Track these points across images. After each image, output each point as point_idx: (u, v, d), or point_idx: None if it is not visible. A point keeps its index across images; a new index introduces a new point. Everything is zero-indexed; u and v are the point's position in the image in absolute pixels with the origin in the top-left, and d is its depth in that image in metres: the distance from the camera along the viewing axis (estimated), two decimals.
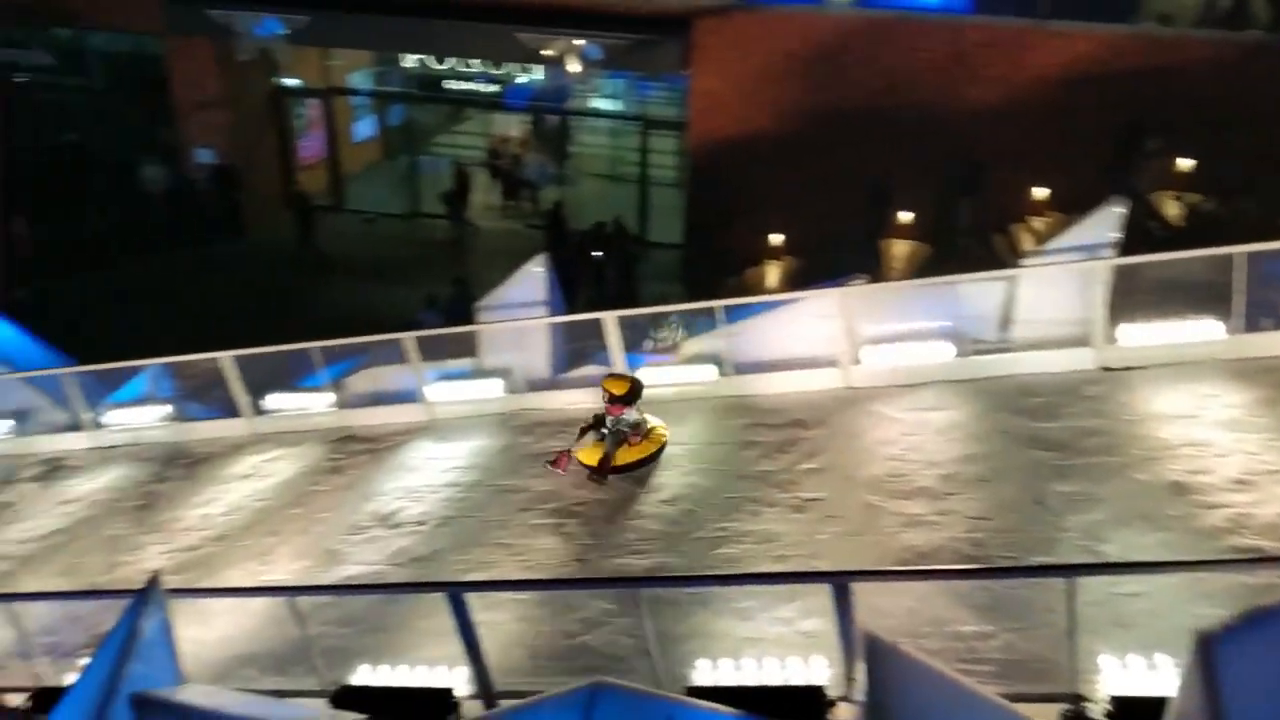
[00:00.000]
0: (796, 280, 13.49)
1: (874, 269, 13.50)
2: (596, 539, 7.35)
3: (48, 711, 5.74)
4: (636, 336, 9.66)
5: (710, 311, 9.19)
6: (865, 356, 8.54)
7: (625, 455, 7.85)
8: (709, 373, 8.97)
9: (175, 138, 18.58)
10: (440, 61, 18.51)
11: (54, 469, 9.72)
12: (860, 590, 4.96)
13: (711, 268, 15.11)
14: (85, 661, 5.66)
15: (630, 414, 7.88)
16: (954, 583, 6.00)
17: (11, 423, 10.15)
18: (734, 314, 9.16)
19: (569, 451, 8.03)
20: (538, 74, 18.09)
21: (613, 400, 7.85)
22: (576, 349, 9.86)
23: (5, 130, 19.18)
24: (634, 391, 7.91)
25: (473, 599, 5.58)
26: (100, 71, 19.25)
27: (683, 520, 7.35)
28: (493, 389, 9.46)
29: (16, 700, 6.01)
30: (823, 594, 5.03)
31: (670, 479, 7.86)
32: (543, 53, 16.03)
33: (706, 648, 5.95)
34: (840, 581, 4.98)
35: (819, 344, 8.67)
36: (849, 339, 8.53)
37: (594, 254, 15.72)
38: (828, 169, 15.30)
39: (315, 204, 18.27)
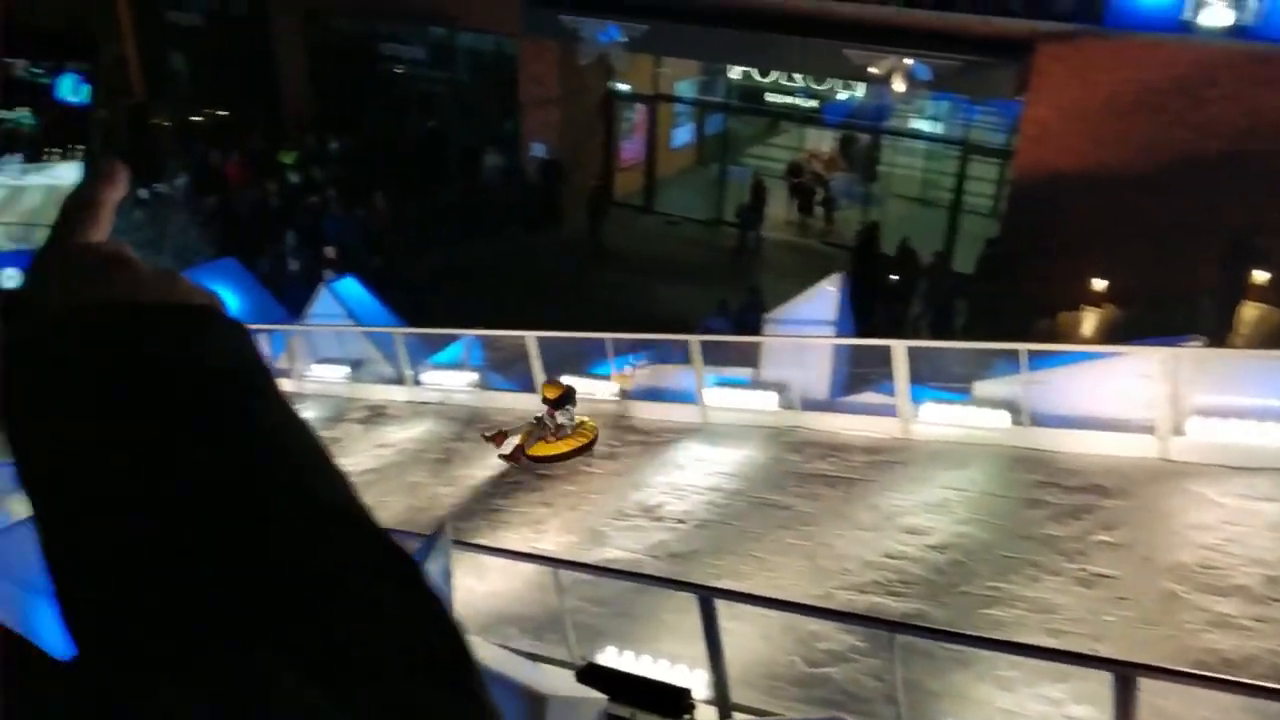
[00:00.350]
0: (1117, 332, 12.23)
1: (1215, 331, 11.94)
2: (854, 572, 7.13)
3: None
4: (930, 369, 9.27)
5: (1012, 353, 8.59)
6: (1190, 428, 7.57)
7: (556, 447, 9.00)
8: (1001, 419, 8.38)
9: (516, 130, 20.36)
10: (764, 74, 18.81)
11: (376, 415, 11.01)
12: (1146, 687, 4.41)
13: (1018, 306, 14.10)
14: None
15: (562, 416, 9.07)
16: (1265, 702, 5.16)
17: (348, 369, 11.63)
18: (1039, 360, 8.48)
19: (507, 433, 9.15)
20: (859, 91, 17.87)
21: (547, 403, 9.09)
22: (860, 374, 9.62)
23: (380, 114, 22.11)
24: (565, 398, 9.13)
25: (721, 606, 5.62)
26: (464, 67, 21.49)
27: (949, 570, 6.93)
28: (768, 402, 9.46)
29: None
30: (1100, 681, 4.52)
31: (940, 524, 7.44)
32: (869, 70, 15.76)
33: (959, 710, 5.58)
34: (1126, 673, 4.44)
35: (1135, 406, 7.81)
36: (1173, 406, 7.60)
37: (891, 277, 15.22)
38: (1170, 214, 13.75)
39: (609, 201, 19.15)
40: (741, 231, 18.60)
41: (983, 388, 8.67)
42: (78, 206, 0.65)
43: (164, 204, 15.21)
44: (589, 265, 17.78)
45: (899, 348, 8.88)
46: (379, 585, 0.54)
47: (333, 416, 11.10)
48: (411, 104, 22.14)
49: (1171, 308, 11.49)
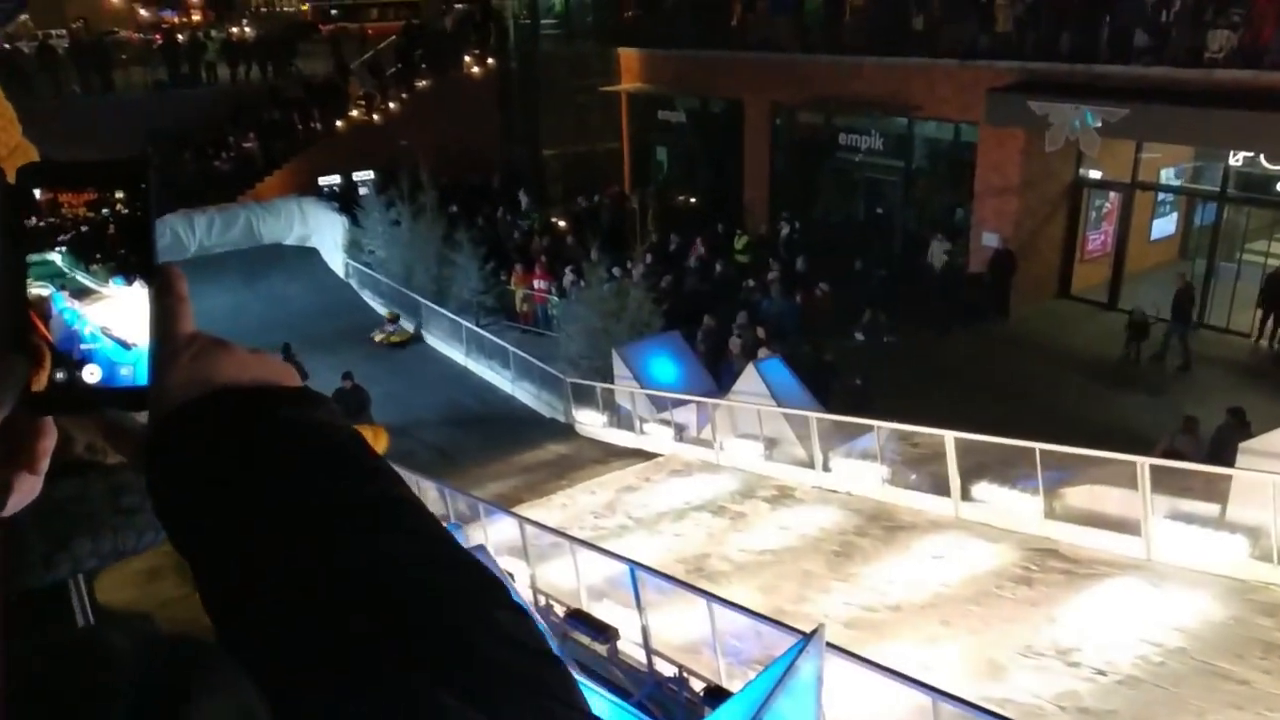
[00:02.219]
0: None
1: None
2: None
3: (714, 706, 6.62)
4: None
5: None
6: None
7: None
8: None
9: (966, 220, 19.69)
10: (1276, 160, 16.11)
11: (783, 496, 11.15)
12: None
13: None
14: (752, 676, 6.37)
15: None
16: None
17: (763, 447, 11.95)
18: None
19: None
20: None
21: None
22: None
23: (830, 202, 22.78)
24: None
25: None
26: (919, 156, 21.39)
27: None
28: (1235, 548, 7.88)
29: (696, 686, 7.05)
30: None
31: None
32: None
33: None
34: None
35: None
36: None
37: None
38: None
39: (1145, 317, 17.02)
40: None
41: None
42: (174, 301, 0.72)
43: (629, 280, 17.08)
44: (1032, 363, 16.42)
45: None
46: (505, 617, 0.60)
47: (742, 491, 11.46)
48: (861, 192, 22.50)
49: None
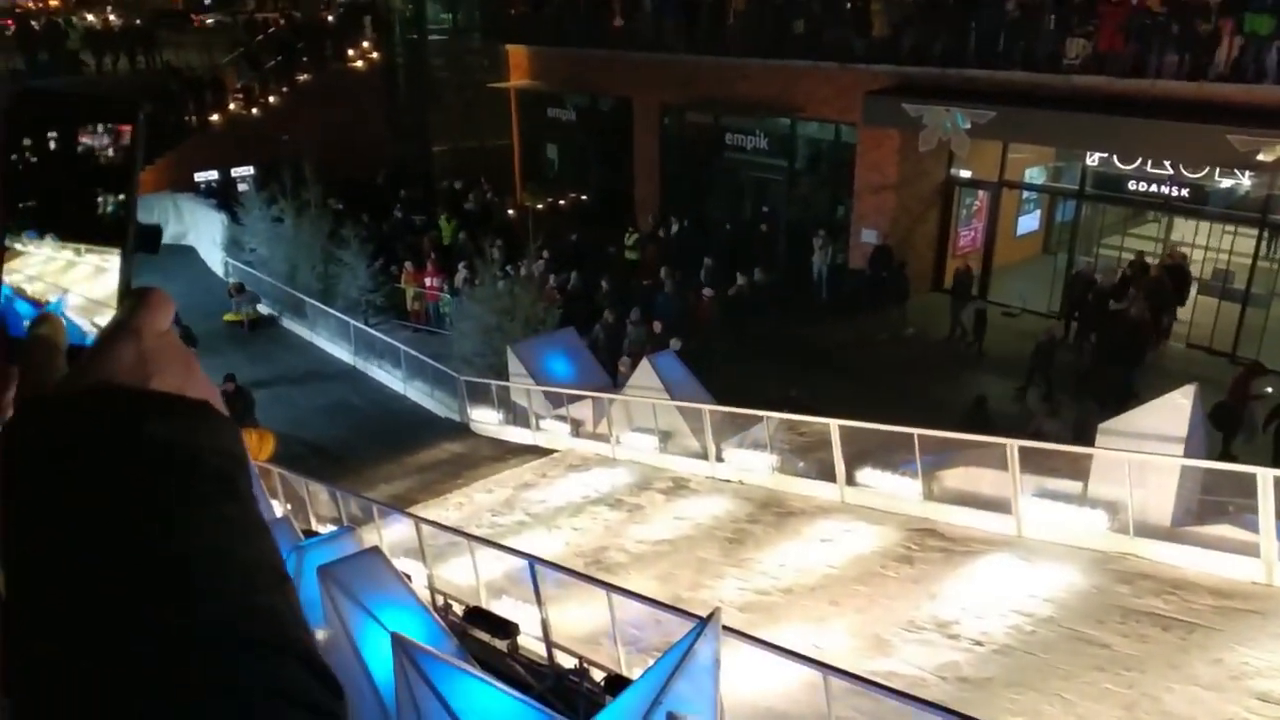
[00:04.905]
0: None
1: None
2: None
3: (615, 695, 6.74)
4: None
5: None
6: None
7: None
8: None
9: (846, 217, 20.42)
10: (1128, 161, 17.30)
11: (678, 487, 11.36)
12: None
13: None
14: (651, 663, 6.51)
15: None
16: None
17: (658, 440, 12.15)
18: None
19: None
20: (1245, 179, 15.83)
21: None
22: (1213, 502, 8.34)
23: (717, 200, 23.25)
24: None
25: None
26: (801, 154, 22.05)
27: None
28: (1095, 522, 8.47)
29: (597, 675, 7.16)
30: None
31: None
32: (1259, 158, 13.93)
33: None
34: None
35: None
36: None
37: (1265, 391, 13.08)
38: None
39: (969, 283, 18.32)
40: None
41: None
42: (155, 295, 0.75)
43: (523, 279, 17.04)
44: (911, 353, 17.19)
45: (1266, 476, 7.60)
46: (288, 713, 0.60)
47: (639, 484, 11.63)
48: (748, 190, 23.05)
49: None
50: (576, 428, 13.64)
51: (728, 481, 11.27)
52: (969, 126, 17.09)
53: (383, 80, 28.12)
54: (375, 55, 27.73)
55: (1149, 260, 17.64)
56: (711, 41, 21.59)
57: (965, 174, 19.75)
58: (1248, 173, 15.29)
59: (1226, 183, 16.41)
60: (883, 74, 18.58)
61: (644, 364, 12.61)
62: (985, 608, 7.93)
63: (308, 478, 11.93)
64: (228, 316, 19.89)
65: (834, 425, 10.22)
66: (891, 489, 9.90)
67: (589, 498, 11.53)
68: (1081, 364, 15.73)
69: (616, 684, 6.81)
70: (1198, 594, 7.60)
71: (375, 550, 7.99)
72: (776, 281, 19.00)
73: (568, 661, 7.81)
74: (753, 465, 11.13)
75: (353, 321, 18.71)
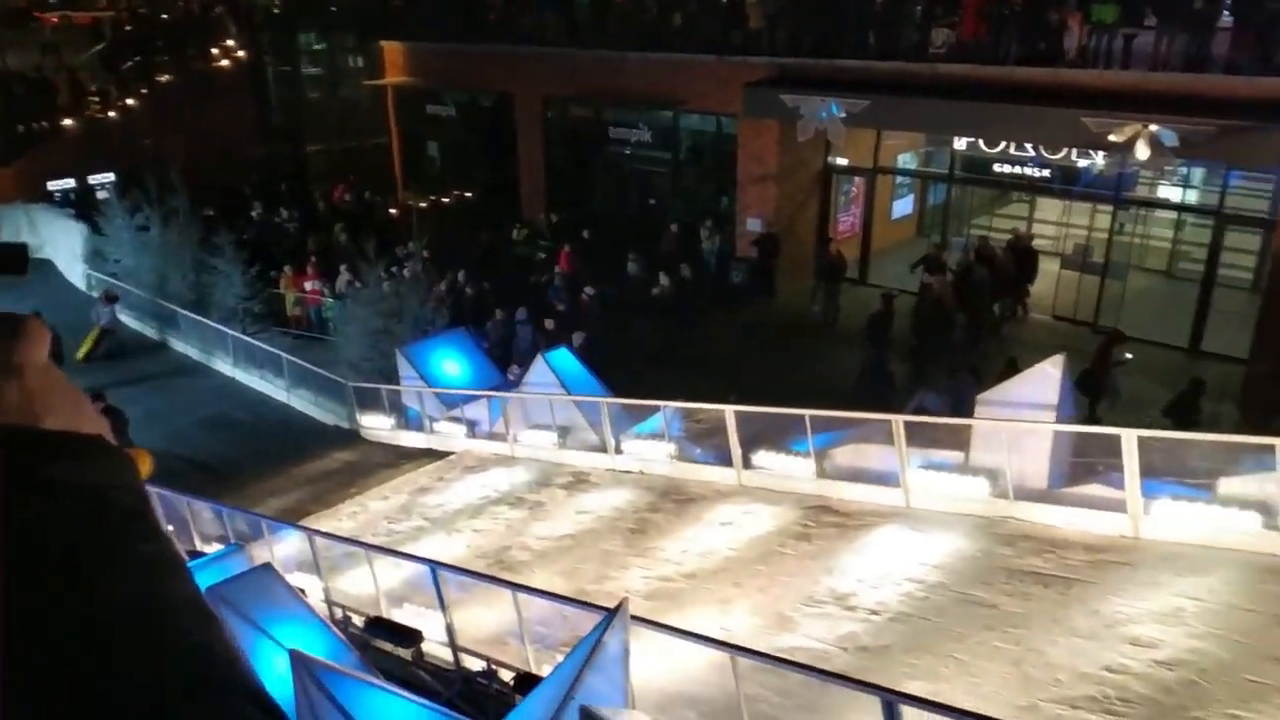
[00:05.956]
0: None
1: None
2: (1066, 684, 6.45)
3: (525, 693, 6.69)
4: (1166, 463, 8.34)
5: (1265, 449, 7.59)
6: None
7: None
8: (1250, 522, 7.39)
9: (731, 207, 20.76)
10: (992, 145, 18.13)
11: (579, 482, 11.36)
12: None
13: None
14: (560, 658, 6.50)
15: None
16: None
17: (556, 436, 12.12)
18: None
19: None
20: (1098, 159, 16.79)
21: None
22: (1084, 463, 8.84)
23: (603, 194, 23.28)
24: None
25: (908, 711, 5.26)
26: (685, 146, 22.29)
27: (1179, 691, 6.12)
28: (978, 489, 8.87)
29: (506, 676, 7.10)
30: None
31: (1172, 637, 6.61)
32: (1110, 138, 14.79)
33: None
34: None
35: None
36: None
37: (1125, 358, 13.95)
38: None
39: (842, 268, 18.93)
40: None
41: (1229, 486, 7.69)
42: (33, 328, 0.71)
43: (409, 279, 16.69)
44: (798, 337, 17.61)
45: (1129, 437, 8.10)
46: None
47: (539, 480, 11.57)
48: (633, 183, 23.16)
49: None
50: (472, 428, 13.47)
51: (628, 473, 11.32)
52: (844, 115, 17.57)
53: (251, 80, 27.05)
54: (241, 54, 26.64)
55: (992, 242, 18.46)
56: (592, 34, 21.58)
57: (842, 161, 20.32)
58: (1101, 153, 16.23)
59: (1083, 162, 17.38)
60: (760, 66, 18.92)
61: (538, 361, 12.54)
62: (880, 578, 8.20)
63: (190, 496, 11.41)
64: (84, 346, 18.37)
65: (729, 411, 10.39)
66: (786, 469, 10.14)
67: (488, 498, 11.40)
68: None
69: (526, 682, 6.76)
70: (1073, 551, 8.05)
71: (267, 567, 7.72)
72: (701, 280, 19.13)
73: (476, 664, 7.71)
74: (651, 455, 11.22)
75: (230, 331, 17.97)
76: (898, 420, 9.37)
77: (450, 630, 7.77)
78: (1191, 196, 17.60)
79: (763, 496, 10.05)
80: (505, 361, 14.94)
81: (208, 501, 11.22)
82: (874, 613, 7.69)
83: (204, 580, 7.28)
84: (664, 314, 17.28)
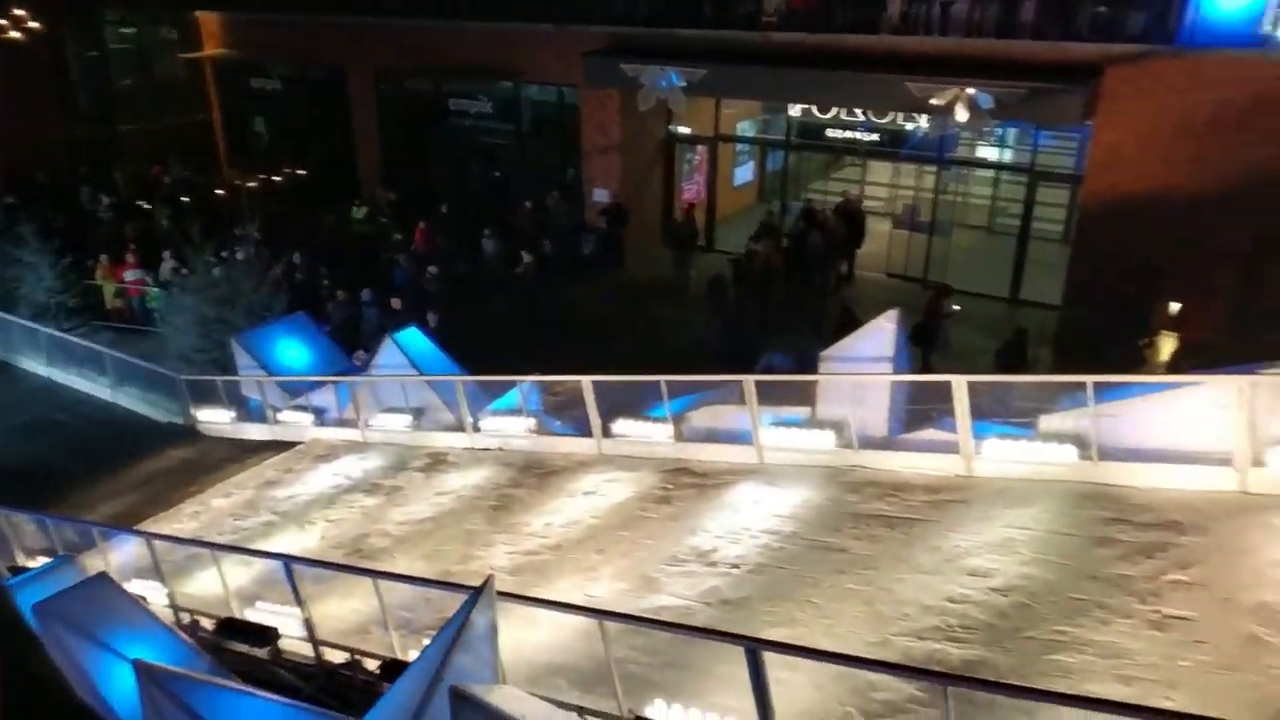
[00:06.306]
0: (1194, 360, 11.67)
1: None
2: (913, 618, 6.86)
3: (392, 681, 6.55)
4: (994, 404, 8.94)
5: (1078, 386, 8.24)
6: (1271, 459, 7.13)
7: None
8: (1068, 454, 8.03)
9: (578, 177, 20.70)
10: (825, 111, 18.77)
11: (437, 463, 11.16)
12: None
13: (1093, 334, 13.60)
14: (427, 642, 6.39)
15: None
16: None
17: (410, 418, 11.84)
18: (1108, 392, 8.11)
19: None
20: (922, 122, 17.66)
21: None
22: (920, 410, 9.36)
23: (446, 168, 22.72)
24: None
25: (771, 656, 5.46)
26: (528, 118, 22.02)
27: (1013, 614, 6.62)
28: (825, 441, 9.26)
29: (371, 665, 6.92)
30: None
31: (1005, 565, 7.12)
32: (931, 101, 15.56)
33: None
34: None
35: (1211, 437, 7.40)
36: (1251, 436, 7.17)
37: (953, 309, 14.83)
38: (1252, 235, 13.13)
39: (693, 234, 19.25)
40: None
41: (1048, 422, 8.33)
42: None
43: (241, 263, 15.83)
44: (651, 305, 17.82)
45: (959, 382, 8.61)
46: None
47: (395, 465, 11.29)
48: (479, 156, 22.72)
49: (1254, 333, 10.91)
50: (320, 416, 12.97)
51: (487, 450, 11.20)
52: (684, 84, 17.77)
53: (50, 56, 24.80)
54: (35, 25, 24.35)
55: (822, 206, 19.16)
56: (426, 4, 20.90)
57: (684, 130, 20.59)
58: (925, 116, 17.05)
59: (909, 126, 18.24)
60: (599, 35, 18.86)
61: (387, 342, 12.18)
62: (738, 533, 8.46)
63: (8, 509, 10.52)
64: None
65: (586, 381, 10.42)
66: (644, 435, 10.27)
67: (342, 486, 11.04)
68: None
69: (393, 669, 6.62)
70: (914, 492, 8.54)
71: (102, 576, 7.22)
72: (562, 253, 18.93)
73: (339, 657, 7.49)
74: (511, 430, 11.12)
75: (42, 328, 16.57)
76: (748, 380, 9.63)
77: (309, 625, 7.51)
78: (1007, 156, 18.80)
79: (623, 464, 10.16)
80: (352, 346, 14.43)
81: (29, 513, 10.38)
82: (734, 566, 7.93)
83: (30, 597, 6.75)
84: (528, 291, 17.15)
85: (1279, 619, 5.89)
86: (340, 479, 11.28)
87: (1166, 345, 12.32)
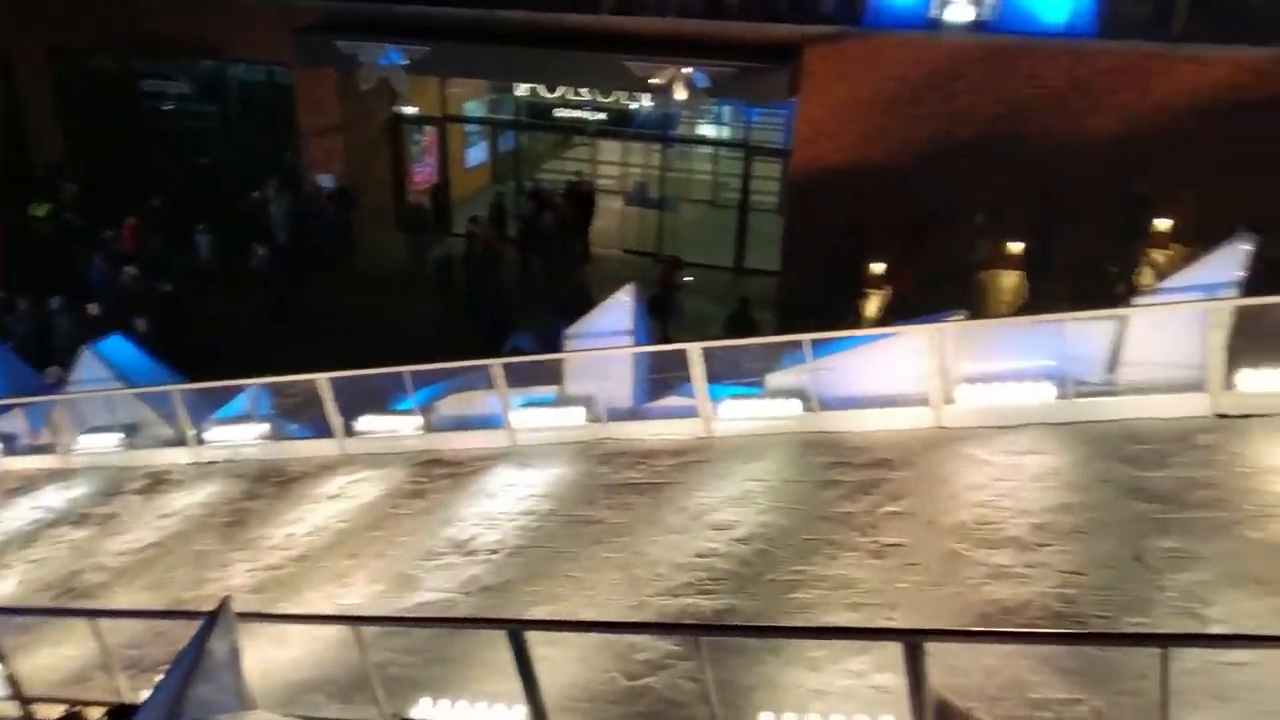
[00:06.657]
0: (895, 313, 13.01)
1: (978, 303, 12.91)
2: (667, 577, 7.16)
3: None
4: (727, 367, 9.46)
5: (797, 344, 8.91)
6: (959, 395, 8.09)
7: None
8: (793, 408, 8.67)
9: (297, 162, 19.50)
10: (551, 90, 18.87)
11: (157, 483, 10.17)
12: (936, 646, 4.62)
13: (810, 296, 14.77)
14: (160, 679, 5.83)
15: None
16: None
17: (122, 436, 10.70)
18: (822, 347, 8.84)
19: None
20: (646, 102, 18.24)
21: None
22: (661, 379, 9.73)
23: (142, 155, 20.60)
24: None
25: (535, 634, 5.49)
26: (234, 100, 20.40)
27: (755, 561, 7.08)
28: (574, 417, 9.41)
29: (95, 715, 6.23)
30: (898, 648, 4.71)
31: (745, 516, 7.60)
32: (651, 81, 16.07)
33: (773, 699, 5.67)
34: (912, 641, 4.64)
35: (911, 381, 8.28)
36: (942, 377, 8.10)
37: (685, 281, 15.56)
38: (935, 199, 14.78)
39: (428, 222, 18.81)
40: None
41: (774, 379, 8.94)
42: None
43: None
44: (388, 292, 17.22)
45: (694, 349, 9.03)
46: None
47: (107, 490, 10.17)
48: (181, 141, 20.79)
49: (941, 285, 12.31)
50: (9, 444, 11.42)
51: (214, 463, 10.36)
52: (406, 63, 17.20)
53: None
54: None
55: (546, 187, 19.37)
56: None
57: (410, 110, 19.96)
58: (647, 96, 17.62)
59: (634, 105, 18.77)
60: (309, 10, 17.81)
61: (85, 354, 10.91)
62: (495, 519, 8.41)
63: None
64: None
65: (321, 379, 9.90)
66: (390, 429, 9.94)
67: (43, 521, 9.81)
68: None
69: (121, 714, 6.00)
70: (661, 458, 8.88)
71: None
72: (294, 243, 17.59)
73: (55, 712, 6.68)
74: (240, 439, 10.36)
75: None
76: (495, 364, 9.57)
77: (14, 681, 6.63)
78: (725, 133, 19.86)
79: (370, 462, 9.78)
80: (42, 360, 12.77)
81: None
82: (493, 552, 7.88)
83: None
84: (262, 285, 15.97)
85: (973, 535, 6.72)
86: (40, 512, 10.01)
87: (873, 302, 13.60)
